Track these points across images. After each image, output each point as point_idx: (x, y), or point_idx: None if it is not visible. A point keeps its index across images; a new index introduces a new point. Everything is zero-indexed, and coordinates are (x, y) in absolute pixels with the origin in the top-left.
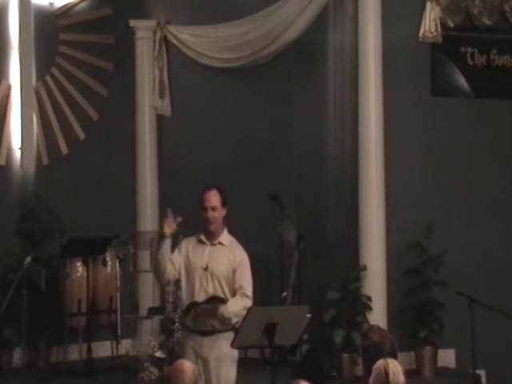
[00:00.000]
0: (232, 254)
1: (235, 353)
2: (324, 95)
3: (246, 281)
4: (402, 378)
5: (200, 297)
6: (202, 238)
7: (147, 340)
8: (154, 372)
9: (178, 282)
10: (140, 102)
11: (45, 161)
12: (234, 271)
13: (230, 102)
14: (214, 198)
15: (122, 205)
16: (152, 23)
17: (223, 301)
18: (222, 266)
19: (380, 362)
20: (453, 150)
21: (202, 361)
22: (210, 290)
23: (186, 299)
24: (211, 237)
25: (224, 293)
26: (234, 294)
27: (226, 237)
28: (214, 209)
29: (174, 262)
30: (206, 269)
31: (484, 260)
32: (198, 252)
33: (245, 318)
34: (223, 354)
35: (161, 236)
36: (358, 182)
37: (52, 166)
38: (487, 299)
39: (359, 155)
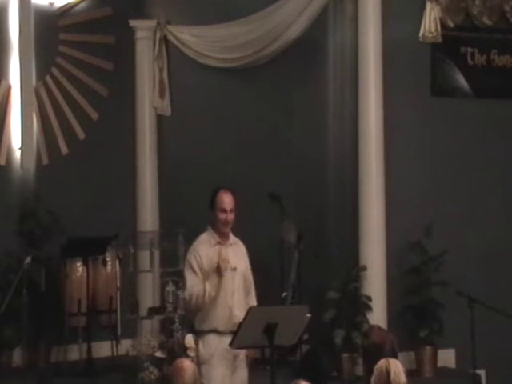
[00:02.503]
0: (244, 252)
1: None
2: (324, 95)
3: (253, 286)
4: (403, 377)
5: (234, 297)
6: (218, 239)
7: (147, 340)
8: (153, 372)
9: (177, 282)
10: (140, 101)
11: (45, 161)
12: (247, 268)
13: (230, 101)
14: (231, 201)
15: (122, 205)
16: (152, 23)
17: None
18: (243, 264)
19: (382, 362)
20: (453, 150)
21: (233, 358)
22: (241, 290)
23: (221, 306)
24: (225, 238)
25: (244, 288)
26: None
27: (233, 236)
28: (231, 211)
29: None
30: (234, 270)
31: (484, 260)
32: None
33: (245, 318)
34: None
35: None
36: (357, 182)
37: (52, 166)
38: (487, 299)
39: (359, 155)
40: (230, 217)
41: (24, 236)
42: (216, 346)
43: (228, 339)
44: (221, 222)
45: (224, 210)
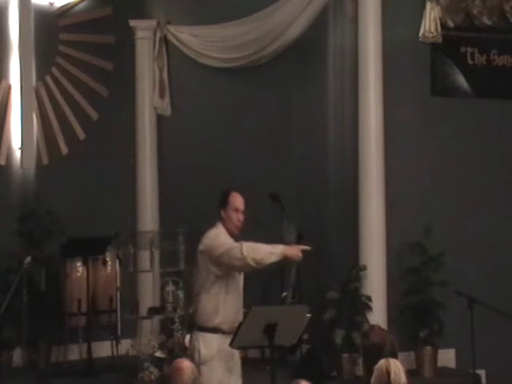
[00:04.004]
0: None
1: None
2: (324, 95)
3: None
4: (403, 378)
5: (240, 300)
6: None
7: (147, 340)
8: (154, 372)
9: (177, 282)
10: (140, 102)
11: (45, 161)
12: None
13: (230, 101)
14: (243, 202)
15: (122, 205)
16: (152, 23)
17: None
18: None
19: (382, 362)
20: (453, 150)
21: (233, 359)
22: (242, 292)
23: (221, 301)
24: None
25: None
26: None
27: None
28: (243, 213)
29: None
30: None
31: (484, 260)
32: None
33: (245, 318)
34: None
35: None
36: (357, 182)
37: (52, 166)
38: (487, 299)
39: (359, 155)
40: (242, 217)
41: (24, 236)
42: (219, 346)
43: (228, 339)
44: (233, 222)
45: (237, 209)
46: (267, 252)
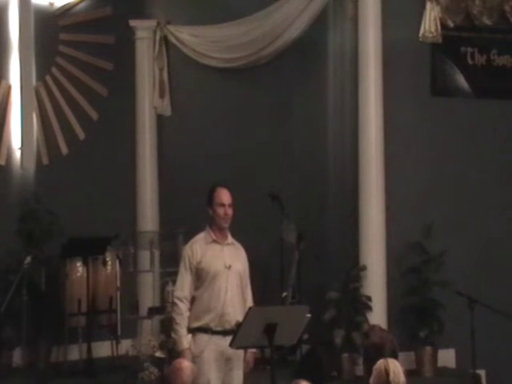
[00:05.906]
0: (243, 255)
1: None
2: (324, 95)
3: (250, 289)
4: (402, 377)
5: (227, 295)
6: (214, 237)
7: (147, 340)
8: (154, 372)
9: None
10: (140, 101)
11: (45, 161)
12: (245, 270)
13: (230, 101)
14: (229, 196)
15: (122, 205)
16: (152, 23)
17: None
18: (240, 264)
19: (381, 362)
20: (453, 150)
21: (226, 361)
22: (235, 288)
23: (207, 299)
24: (223, 236)
25: (242, 287)
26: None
27: (231, 238)
28: (230, 206)
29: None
30: (229, 268)
31: (484, 260)
32: (214, 252)
33: (245, 318)
34: (241, 351)
35: None
36: (358, 182)
37: (52, 166)
38: (487, 299)
39: (359, 155)
40: (229, 211)
41: (24, 236)
42: (205, 344)
43: (218, 339)
44: (220, 217)
45: (222, 205)
46: (177, 331)
